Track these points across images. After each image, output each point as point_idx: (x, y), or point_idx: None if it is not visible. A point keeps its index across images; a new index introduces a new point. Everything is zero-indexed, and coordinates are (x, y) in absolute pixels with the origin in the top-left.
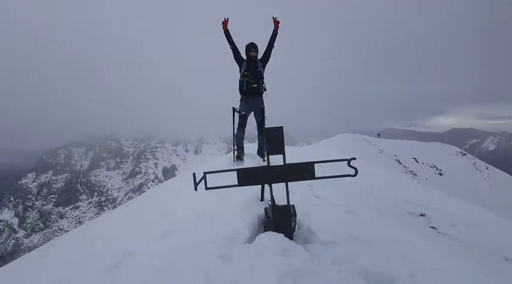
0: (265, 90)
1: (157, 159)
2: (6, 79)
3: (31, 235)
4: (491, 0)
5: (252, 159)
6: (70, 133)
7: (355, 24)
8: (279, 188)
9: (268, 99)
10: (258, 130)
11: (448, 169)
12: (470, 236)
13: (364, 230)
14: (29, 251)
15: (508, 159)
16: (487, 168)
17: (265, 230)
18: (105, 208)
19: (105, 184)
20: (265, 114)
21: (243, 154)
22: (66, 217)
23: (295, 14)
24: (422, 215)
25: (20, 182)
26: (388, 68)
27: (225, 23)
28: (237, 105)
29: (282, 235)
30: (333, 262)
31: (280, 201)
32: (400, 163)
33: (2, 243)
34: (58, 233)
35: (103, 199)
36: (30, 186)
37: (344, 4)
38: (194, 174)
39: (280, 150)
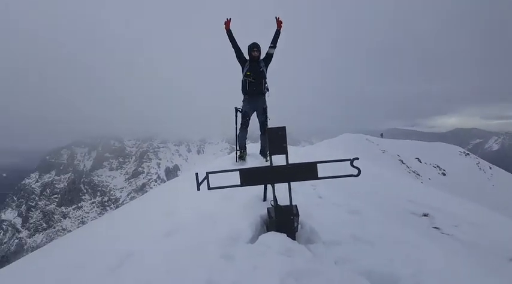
0: (267, 90)
1: (160, 159)
2: (7, 79)
3: (34, 235)
4: (491, 0)
5: (255, 159)
6: (73, 134)
7: (355, 24)
8: (281, 188)
9: (270, 99)
10: (261, 130)
11: (451, 169)
12: (474, 236)
13: (367, 231)
14: (32, 251)
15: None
16: (490, 168)
17: (268, 230)
18: (107, 208)
19: (108, 184)
20: (268, 114)
21: (246, 154)
22: (69, 217)
23: (295, 14)
24: (425, 215)
25: (23, 182)
26: (388, 68)
27: (227, 23)
28: (240, 105)
29: (285, 235)
30: (335, 262)
31: (283, 201)
32: (403, 163)
33: (5, 243)
34: (61, 233)
35: (106, 199)
36: (33, 186)
37: (344, 4)
38: (197, 174)
39: (283, 150)
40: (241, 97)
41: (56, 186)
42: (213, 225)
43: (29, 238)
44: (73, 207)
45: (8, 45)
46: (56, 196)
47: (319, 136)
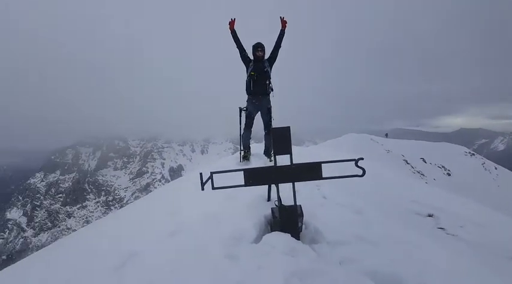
0: (272, 90)
1: (164, 159)
2: (7, 79)
3: (39, 234)
4: (491, 0)
5: (259, 159)
6: (78, 134)
7: (355, 24)
8: (285, 188)
9: (273, 99)
10: (265, 130)
11: (456, 170)
12: (479, 236)
13: (372, 231)
14: (37, 250)
15: None
16: (496, 168)
17: (272, 230)
18: (112, 207)
19: (113, 183)
20: (272, 114)
21: (250, 154)
22: (74, 217)
23: (295, 14)
24: (430, 215)
25: (29, 181)
26: (388, 67)
27: (231, 23)
28: (244, 105)
29: (289, 235)
30: (340, 262)
31: (287, 201)
32: (408, 163)
33: (10, 242)
34: (66, 233)
35: (110, 198)
36: (38, 185)
37: (344, 4)
38: (201, 173)
39: (287, 150)
40: (246, 97)
41: (61, 185)
42: (217, 225)
43: (34, 237)
44: (78, 206)
45: (8, 45)
46: (60, 195)
47: (323, 137)
